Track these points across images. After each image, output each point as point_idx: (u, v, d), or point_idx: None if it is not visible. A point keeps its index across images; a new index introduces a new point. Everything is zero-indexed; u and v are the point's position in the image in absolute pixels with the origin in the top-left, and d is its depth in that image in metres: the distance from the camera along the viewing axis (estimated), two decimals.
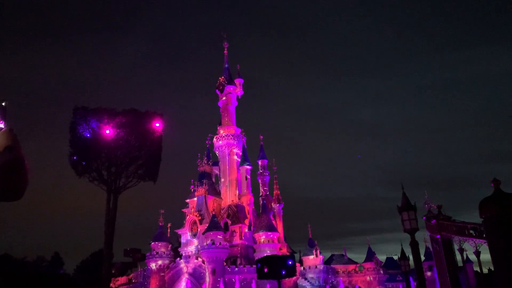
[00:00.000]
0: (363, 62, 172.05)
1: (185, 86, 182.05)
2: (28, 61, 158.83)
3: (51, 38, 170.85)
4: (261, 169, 65.43)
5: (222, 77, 67.25)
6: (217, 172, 64.78)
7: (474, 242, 24.38)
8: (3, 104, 2.13)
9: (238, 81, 67.57)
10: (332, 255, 59.75)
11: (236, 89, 66.95)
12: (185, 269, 52.41)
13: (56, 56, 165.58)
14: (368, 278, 52.03)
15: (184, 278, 51.89)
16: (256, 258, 38.33)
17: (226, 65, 68.89)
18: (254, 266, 39.56)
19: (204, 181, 58.42)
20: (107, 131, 25.56)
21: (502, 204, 21.56)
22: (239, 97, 67.81)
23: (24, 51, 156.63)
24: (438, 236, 26.63)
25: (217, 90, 67.29)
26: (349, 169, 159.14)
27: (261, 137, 68.14)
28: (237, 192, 61.67)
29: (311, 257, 52.10)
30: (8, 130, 1.98)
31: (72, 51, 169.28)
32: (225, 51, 70.48)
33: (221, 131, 64.69)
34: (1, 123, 2.09)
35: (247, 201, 60.51)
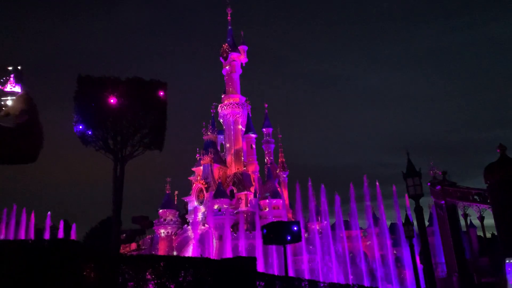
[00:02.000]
0: (370, 27, 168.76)
1: (189, 53, 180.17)
2: (28, 31, 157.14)
3: (48, 7, 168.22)
4: (266, 137, 65.52)
5: (226, 44, 66.30)
6: (222, 140, 64.99)
7: (478, 207, 24.55)
8: (19, 68, 2.13)
9: (242, 48, 66.62)
10: (337, 221, 60.46)
11: (240, 57, 66.13)
12: (192, 236, 53.50)
13: (56, 25, 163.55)
14: (367, 242, 52.90)
15: (191, 244, 53.05)
16: (262, 224, 38.99)
17: (230, 32, 67.79)
18: (260, 232, 40.28)
19: (210, 149, 58.77)
20: (112, 100, 25.51)
21: (507, 170, 21.58)
22: (244, 64, 67.07)
23: (21, 20, 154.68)
24: (443, 202, 26.83)
25: (221, 58, 66.51)
26: (354, 136, 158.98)
27: (266, 105, 67.92)
28: (243, 160, 62.03)
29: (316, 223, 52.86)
30: (25, 94, 2.00)
31: (72, 19, 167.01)
32: (229, 17, 69.22)
33: (226, 100, 64.42)
34: (18, 86, 2.10)
35: (252, 169, 60.96)
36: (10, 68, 2.15)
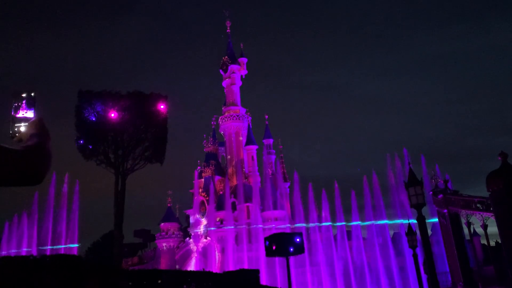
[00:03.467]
0: (366, 36, 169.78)
1: (189, 66, 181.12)
2: (28, 45, 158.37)
3: (50, 21, 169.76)
4: (267, 149, 65.57)
5: (226, 56, 66.77)
6: (223, 152, 65.04)
7: (481, 215, 24.42)
8: (32, 94, 2.20)
9: (241, 60, 67.09)
10: (340, 231, 60.22)
11: (240, 69, 66.55)
12: (194, 249, 53.23)
13: (55, 39, 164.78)
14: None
15: (193, 257, 52.76)
16: (264, 236, 38.90)
17: (230, 44, 68.34)
18: (262, 244, 40.06)
19: (211, 161, 58.82)
20: (112, 114, 25.64)
21: (510, 177, 21.54)
22: (243, 76, 67.46)
23: (23, 34, 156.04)
24: (445, 211, 26.70)
25: (220, 70, 66.94)
26: (354, 145, 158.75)
27: (266, 116, 68.05)
28: (244, 172, 61.99)
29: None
30: (38, 120, 2.07)
31: (72, 33, 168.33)
32: (228, 30, 69.84)
33: (226, 112, 64.66)
34: (31, 112, 2.16)
35: (253, 180, 60.88)
36: (24, 94, 2.21)
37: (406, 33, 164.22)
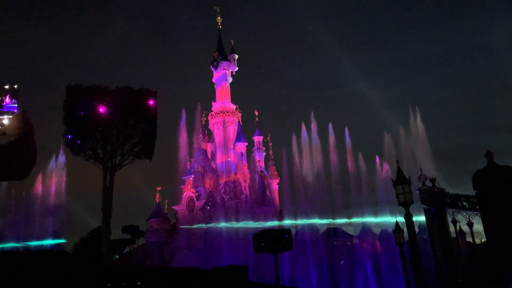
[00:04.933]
0: (357, 34, 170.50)
1: (179, 62, 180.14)
2: (16, 41, 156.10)
3: (36, 16, 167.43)
4: (256, 145, 65.56)
5: (216, 52, 66.56)
6: (213, 149, 64.90)
7: (467, 213, 24.77)
8: (16, 86, 2.16)
9: (232, 56, 66.95)
10: (328, 229, 60.60)
11: (230, 65, 66.40)
12: (183, 245, 53.13)
13: (43, 35, 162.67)
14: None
15: (182, 254, 52.66)
16: (253, 233, 38.98)
17: (220, 40, 68.12)
18: (251, 240, 40.14)
19: (200, 158, 58.66)
20: (101, 110, 25.44)
21: (495, 176, 21.88)
22: (234, 72, 67.32)
23: (7, 29, 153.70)
24: (432, 209, 27.00)
25: (211, 66, 66.71)
26: (343, 143, 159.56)
27: (256, 112, 67.99)
28: (233, 168, 61.96)
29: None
30: (21, 113, 2.04)
31: (58, 29, 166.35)
32: (219, 26, 69.59)
33: (216, 108, 64.50)
34: (14, 105, 2.12)
35: (243, 177, 60.88)
36: (6, 86, 2.17)
37: (395, 32, 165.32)
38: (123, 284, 12.20)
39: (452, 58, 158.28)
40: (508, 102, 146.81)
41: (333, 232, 58.91)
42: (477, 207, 23.57)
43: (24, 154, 1.83)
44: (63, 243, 50.74)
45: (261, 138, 66.04)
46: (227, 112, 63.56)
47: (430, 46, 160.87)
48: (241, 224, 53.96)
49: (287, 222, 52.32)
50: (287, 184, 55.06)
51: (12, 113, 2.04)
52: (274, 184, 62.83)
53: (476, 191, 23.15)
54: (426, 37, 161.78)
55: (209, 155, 63.59)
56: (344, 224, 55.04)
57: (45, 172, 51.88)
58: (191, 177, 58.32)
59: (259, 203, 54.04)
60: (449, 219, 24.90)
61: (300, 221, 53.17)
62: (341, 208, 52.65)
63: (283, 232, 14.26)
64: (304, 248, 51.46)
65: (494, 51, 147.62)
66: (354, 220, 53.82)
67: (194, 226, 53.54)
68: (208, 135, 64.88)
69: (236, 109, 65.29)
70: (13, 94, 2.11)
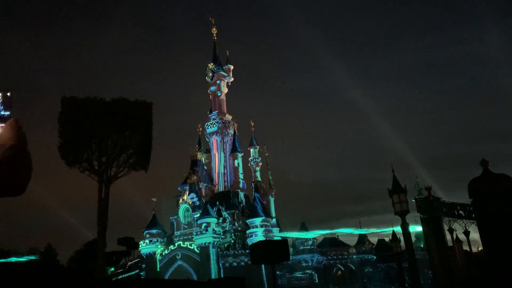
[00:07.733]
0: (350, 43, 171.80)
1: (174, 73, 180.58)
2: (10, 51, 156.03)
3: (31, 26, 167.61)
4: (252, 155, 65.49)
5: (212, 63, 66.79)
6: (208, 159, 64.77)
7: (464, 222, 24.77)
8: (8, 94, 2.03)
9: (227, 67, 67.20)
10: (325, 239, 60.41)
11: (226, 76, 66.60)
12: (178, 256, 52.72)
13: (39, 45, 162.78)
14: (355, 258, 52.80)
15: (178, 265, 52.23)
16: (250, 243, 38.70)
17: (215, 51, 68.39)
18: (248, 251, 39.91)
19: (196, 168, 58.50)
20: (96, 121, 25.39)
21: (491, 184, 21.90)
22: (229, 83, 67.50)
23: (3, 39, 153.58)
24: (428, 217, 27.00)
25: (206, 77, 66.86)
26: (338, 152, 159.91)
27: (252, 123, 68.06)
28: (229, 178, 61.80)
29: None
30: (14, 121, 1.89)
31: (54, 39, 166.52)
32: (214, 37, 69.91)
33: (212, 119, 64.52)
34: (7, 113, 1.99)
35: (239, 187, 60.72)
36: None
37: (389, 41, 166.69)
38: None
39: (446, 66, 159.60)
40: (503, 110, 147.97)
41: (330, 241, 58.74)
42: (473, 215, 23.56)
43: (19, 170, 1.70)
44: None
45: (257, 148, 66.01)
46: (223, 123, 63.61)
47: (424, 55, 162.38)
48: None
49: (285, 234, 52.09)
50: (283, 194, 54.99)
51: (4, 121, 1.91)
52: (271, 194, 62.69)
53: (472, 200, 23.17)
54: (419, 46, 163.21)
55: (205, 166, 63.43)
56: (341, 234, 54.83)
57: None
58: (187, 188, 58.09)
59: (255, 214, 53.78)
60: (446, 227, 24.90)
61: (295, 234, 52.95)
62: (339, 218, 52.58)
63: (280, 242, 14.16)
64: (300, 258, 51.23)
65: (488, 60, 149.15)
66: (352, 230, 53.69)
67: (191, 237, 53.15)
68: (205, 145, 64.82)
69: (232, 119, 65.34)
70: (6, 101, 1.99)
